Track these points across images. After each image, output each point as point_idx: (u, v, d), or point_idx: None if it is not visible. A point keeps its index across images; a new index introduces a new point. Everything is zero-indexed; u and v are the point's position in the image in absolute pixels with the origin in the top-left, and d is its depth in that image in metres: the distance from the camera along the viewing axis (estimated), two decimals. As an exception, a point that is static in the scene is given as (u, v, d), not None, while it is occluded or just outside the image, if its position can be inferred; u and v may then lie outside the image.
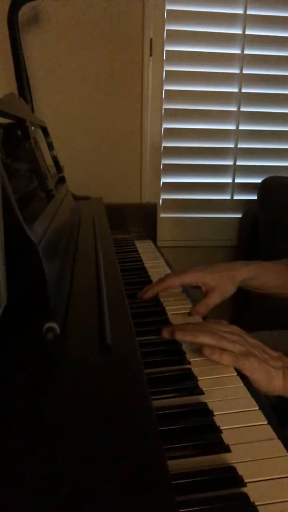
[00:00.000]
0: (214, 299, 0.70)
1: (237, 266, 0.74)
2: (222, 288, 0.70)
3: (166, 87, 1.41)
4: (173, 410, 0.44)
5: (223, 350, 0.52)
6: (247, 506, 0.33)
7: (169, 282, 0.71)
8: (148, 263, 0.94)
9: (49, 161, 0.92)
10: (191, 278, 0.71)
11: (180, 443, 0.39)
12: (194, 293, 0.75)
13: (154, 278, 0.84)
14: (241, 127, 1.48)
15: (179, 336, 0.54)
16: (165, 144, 1.47)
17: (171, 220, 1.55)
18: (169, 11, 1.35)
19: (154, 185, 1.50)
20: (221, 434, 0.41)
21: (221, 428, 0.42)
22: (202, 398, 0.47)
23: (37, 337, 0.35)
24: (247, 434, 0.41)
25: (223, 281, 0.71)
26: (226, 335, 0.54)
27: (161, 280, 0.72)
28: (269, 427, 0.42)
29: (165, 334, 0.56)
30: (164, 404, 0.45)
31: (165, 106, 1.43)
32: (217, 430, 0.42)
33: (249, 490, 0.35)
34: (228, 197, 1.56)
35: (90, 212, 1.00)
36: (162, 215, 1.51)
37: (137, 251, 1.05)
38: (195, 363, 0.53)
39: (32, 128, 0.68)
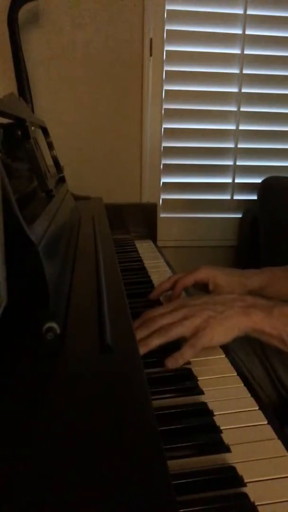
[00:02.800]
0: None
1: (249, 274, 0.72)
2: (229, 290, 0.69)
3: (166, 87, 1.41)
4: (173, 410, 0.44)
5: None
6: (247, 506, 0.33)
7: (183, 282, 0.70)
8: (148, 263, 0.94)
9: (49, 161, 0.92)
10: (203, 274, 0.70)
11: (180, 443, 0.40)
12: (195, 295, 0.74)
13: (154, 278, 0.84)
14: (241, 127, 1.48)
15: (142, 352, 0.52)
16: (165, 144, 1.47)
17: (171, 220, 1.54)
18: (169, 11, 1.35)
19: (154, 185, 1.50)
20: (221, 434, 0.41)
21: (221, 428, 0.42)
22: (202, 398, 0.47)
23: (37, 337, 0.35)
24: (247, 434, 0.42)
25: (232, 284, 0.70)
26: (162, 314, 0.55)
27: (174, 282, 0.71)
28: (269, 427, 0.42)
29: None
30: (164, 404, 0.45)
31: (165, 106, 1.43)
32: (217, 430, 0.42)
33: (249, 490, 0.35)
34: (228, 197, 1.56)
35: (90, 212, 1.00)
36: (162, 215, 1.51)
37: (137, 251, 1.05)
38: (195, 363, 0.53)
39: (32, 128, 0.68)
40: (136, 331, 0.53)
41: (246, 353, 0.72)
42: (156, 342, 0.52)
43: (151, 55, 1.37)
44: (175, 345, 0.53)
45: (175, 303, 0.58)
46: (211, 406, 0.45)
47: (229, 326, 0.53)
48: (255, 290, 0.71)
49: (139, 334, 0.53)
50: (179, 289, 0.70)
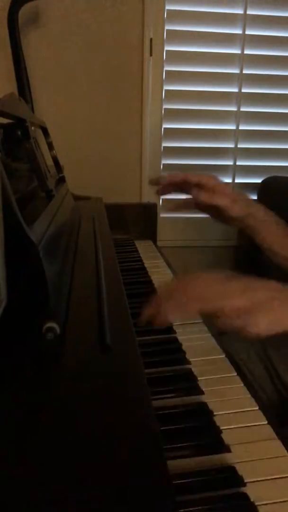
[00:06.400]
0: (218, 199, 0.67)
1: (252, 201, 0.72)
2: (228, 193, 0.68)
3: (166, 87, 1.41)
4: (173, 410, 0.44)
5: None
6: (247, 506, 0.33)
7: (186, 175, 0.68)
8: (148, 263, 0.94)
9: (49, 161, 0.92)
10: (207, 177, 0.68)
11: (180, 443, 0.40)
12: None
13: (154, 278, 0.84)
14: (241, 127, 1.48)
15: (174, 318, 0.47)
16: (165, 144, 1.47)
17: (171, 220, 1.54)
18: (169, 11, 1.34)
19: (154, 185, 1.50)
20: (221, 434, 0.41)
21: (221, 428, 0.42)
22: (202, 398, 0.47)
23: (37, 337, 0.35)
24: (247, 434, 0.42)
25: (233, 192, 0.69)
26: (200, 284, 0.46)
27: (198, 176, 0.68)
28: (269, 427, 0.42)
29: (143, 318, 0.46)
30: (164, 404, 0.45)
31: (165, 106, 1.43)
32: (217, 430, 0.42)
33: (249, 490, 0.35)
34: (228, 197, 1.56)
35: (90, 212, 1.00)
36: (162, 215, 1.51)
37: (137, 251, 1.05)
38: (195, 363, 0.53)
39: (32, 128, 0.68)
40: (166, 295, 0.46)
41: (247, 353, 0.72)
42: (195, 307, 0.43)
43: (151, 55, 1.37)
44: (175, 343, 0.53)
45: (210, 276, 0.46)
46: (211, 406, 0.45)
47: (274, 319, 0.43)
48: (245, 217, 0.72)
49: (171, 301, 0.45)
50: (180, 176, 0.69)
